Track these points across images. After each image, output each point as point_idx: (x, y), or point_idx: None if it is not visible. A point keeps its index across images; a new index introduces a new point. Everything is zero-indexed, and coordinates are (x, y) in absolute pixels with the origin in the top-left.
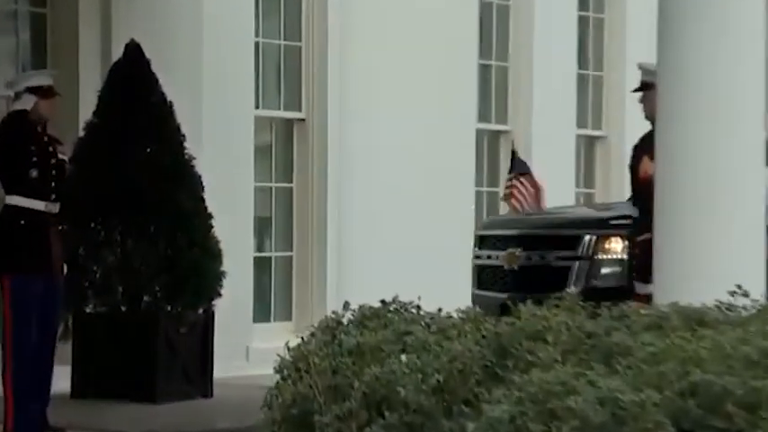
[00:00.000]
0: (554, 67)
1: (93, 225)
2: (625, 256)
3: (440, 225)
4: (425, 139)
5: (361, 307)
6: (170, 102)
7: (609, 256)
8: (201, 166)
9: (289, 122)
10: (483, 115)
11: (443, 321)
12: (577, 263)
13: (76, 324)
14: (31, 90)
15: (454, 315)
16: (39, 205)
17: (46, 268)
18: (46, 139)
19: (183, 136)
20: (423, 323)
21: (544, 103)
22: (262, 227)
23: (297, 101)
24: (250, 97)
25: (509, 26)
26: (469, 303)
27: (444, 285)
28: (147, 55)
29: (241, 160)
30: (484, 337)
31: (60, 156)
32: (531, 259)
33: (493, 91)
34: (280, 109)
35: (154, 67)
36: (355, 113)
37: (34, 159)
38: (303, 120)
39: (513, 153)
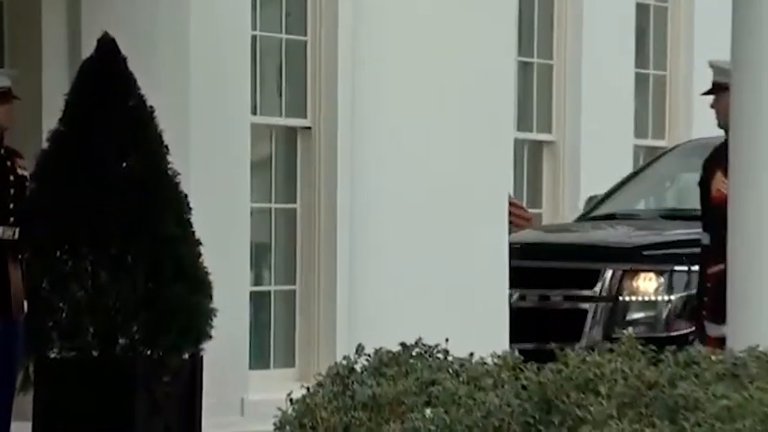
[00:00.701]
0: (607, 65)
1: (58, 254)
2: (660, 297)
3: (471, 253)
4: (453, 152)
5: (377, 351)
6: (151, 107)
7: (639, 298)
8: (188, 184)
9: (291, 131)
10: (522, 123)
11: (476, 368)
12: (595, 306)
13: (39, 372)
14: None
15: (489, 361)
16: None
17: (2, 305)
18: (2, 151)
19: (167, 147)
20: (451, 370)
21: (595, 108)
22: (259, 255)
23: (301, 106)
24: (246, 101)
25: (553, 16)
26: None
27: (477, 325)
28: (124, 51)
29: (235, 176)
30: (524, 387)
31: (20, 171)
32: (525, 299)
33: (534, 94)
34: (281, 115)
35: (131, 66)
36: (370, 121)
37: None
38: (309, 128)
39: None
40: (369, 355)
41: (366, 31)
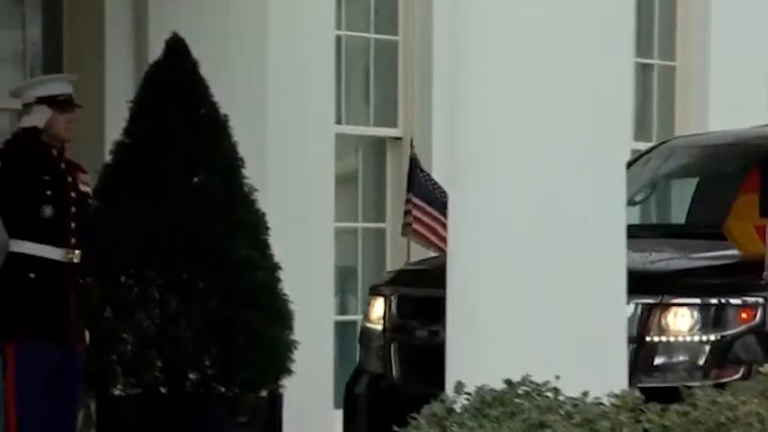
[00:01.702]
0: (736, 64)
1: (123, 279)
2: (698, 338)
3: (583, 278)
4: (563, 165)
5: (479, 389)
6: (224, 115)
7: (671, 338)
8: (265, 201)
9: (381, 142)
10: (641, 131)
11: (591, 409)
12: None
13: (101, 410)
14: (43, 101)
15: (605, 401)
16: (54, 253)
17: (62, 336)
18: (63, 165)
19: (242, 161)
20: (563, 411)
21: (724, 111)
22: (345, 281)
23: (392, 114)
24: (329, 109)
25: (675, 14)
26: (625, 384)
27: (591, 360)
28: (195, 54)
29: (318, 193)
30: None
31: (82, 187)
32: None
33: (655, 99)
34: (368, 125)
35: (203, 70)
36: (469, 131)
37: (48, 193)
38: (399, 139)
39: (412, 162)
40: (469, 394)
41: (465, 30)
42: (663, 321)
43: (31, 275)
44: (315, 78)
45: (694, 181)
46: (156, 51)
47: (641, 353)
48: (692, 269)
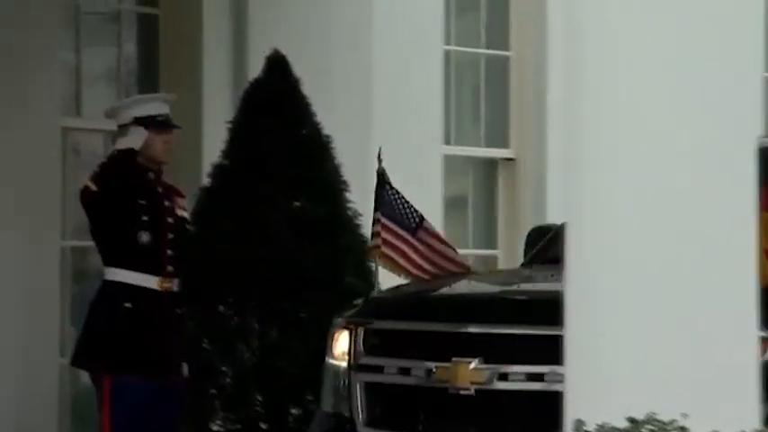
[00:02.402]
0: None
1: (222, 309)
2: None
3: (713, 306)
4: (692, 190)
5: (600, 427)
6: (327, 136)
7: None
8: (370, 226)
9: (492, 164)
10: None
11: None
12: None
13: None
14: (140, 121)
15: None
16: (150, 281)
17: (158, 368)
18: (160, 189)
19: (345, 183)
20: None
21: None
22: None
23: (503, 134)
24: (437, 129)
25: None
26: (758, 423)
27: (721, 396)
28: (297, 71)
29: (426, 217)
30: None
31: (179, 212)
32: (506, 378)
33: None
34: (479, 145)
35: (305, 88)
36: (588, 152)
37: (145, 218)
38: (512, 160)
39: (380, 177)
40: None
41: (583, 44)
42: None
43: (127, 305)
44: (422, 96)
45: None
46: (255, 68)
47: None
48: None
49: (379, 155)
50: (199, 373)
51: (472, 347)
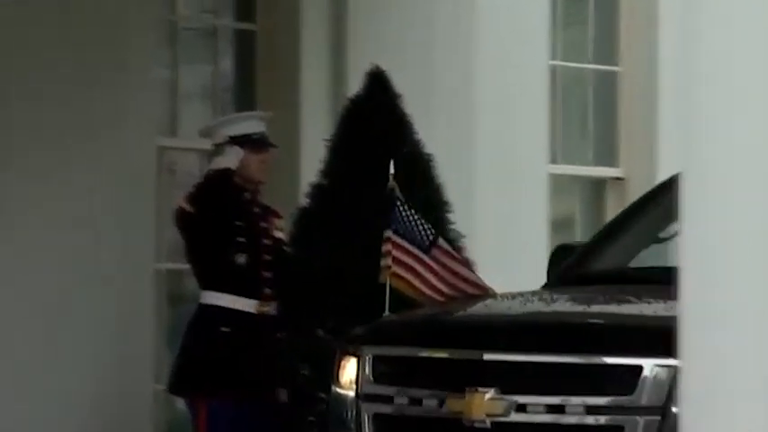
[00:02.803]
0: None
1: (321, 333)
2: None
3: None
4: None
5: None
6: (429, 154)
7: None
8: (474, 247)
9: (600, 183)
10: None
11: None
12: (635, 421)
13: None
14: (236, 141)
15: None
16: (247, 305)
17: (255, 393)
18: (257, 209)
19: (448, 204)
20: None
21: None
22: None
23: (612, 152)
24: (542, 147)
25: None
26: None
27: None
28: (398, 87)
29: (530, 238)
30: None
31: (277, 233)
32: (524, 410)
33: None
34: (586, 164)
35: (406, 105)
36: (703, 172)
37: (241, 240)
38: (621, 179)
39: (391, 193)
40: None
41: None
42: None
43: (224, 329)
44: (527, 113)
45: None
46: (354, 84)
47: (667, 427)
48: None
49: (389, 169)
50: (296, 398)
51: (488, 376)
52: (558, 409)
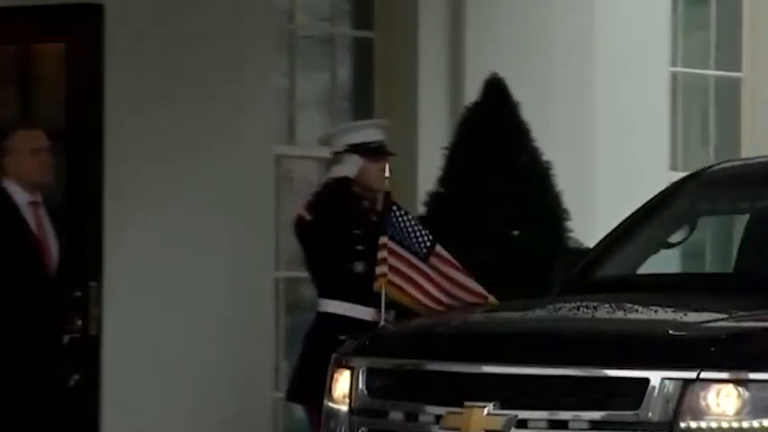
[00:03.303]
0: None
1: None
2: (746, 423)
3: None
4: None
5: None
6: (547, 162)
7: (711, 424)
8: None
9: None
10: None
11: None
12: None
13: None
14: (354, 149)
15: None
16: (365, 313)
17: None
18: (375, 218)
19: (566, 212)
20: None
21: None
22: None
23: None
24: (664, 155)
25: None
26: None
27: None
28: (516, 95)
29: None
30: None
31: None
32: (525, 426)
33: None
34: None
35: (525, 113)
36: None
37: (360, 248)
38: None
39: (386, 197)
40: None
41: None
42: (702, 403)
43: (341, 337)
44: (646, 119)
45: (744, 219)
46: (472, 93)
47: None
48: (741, 335)
49: (385, 170)
50: None
51: (487, 390)
52: (561, 425)
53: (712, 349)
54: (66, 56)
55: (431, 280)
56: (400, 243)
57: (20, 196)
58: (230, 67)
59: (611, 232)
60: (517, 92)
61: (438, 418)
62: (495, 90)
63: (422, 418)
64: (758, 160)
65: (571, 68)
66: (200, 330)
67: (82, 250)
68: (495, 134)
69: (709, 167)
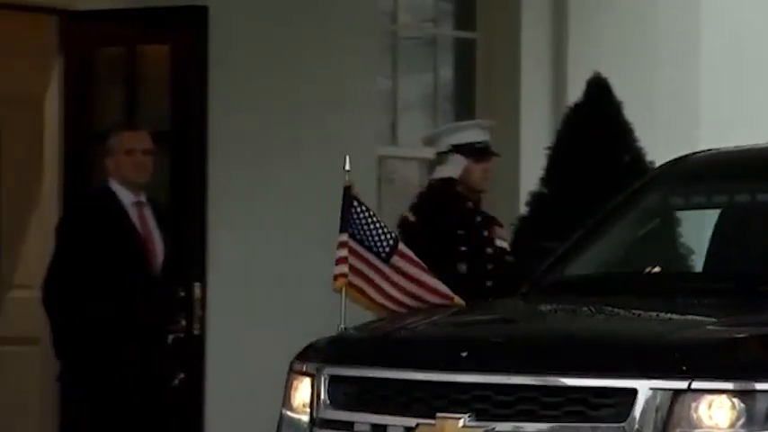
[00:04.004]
0: None
1: None
2: None
3: None
4: None
5: None
6: (651, 162)
7: None
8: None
9: None
10: None
11: None
12: None
13: None
14: (458, 149)
15: None
16: None
17: None
18: (479, 218)
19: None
20: None
21: None
22: None
23: None
24: None
25: None
26: None
27: None
28: (619, 95)
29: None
30: None
31: (499, 242)
32: None
33: None
34: None
35: (628, 113)
36: None
37: (463, 248)
38: None
39: (346, 192)
40: None
41: None
42: (694, 414)
43: None
44: (757, 117)
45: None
46: (575, 92)
47: None
48: (734, 342)
49: (344, 164)
50: None
51: (462, 400)
52: None
53: (704, 357)
54: (171, 58)
55: (392, 282)
56: (361, 242)
57: (125, 196)
58: (333, 69)
59: (583, 227)
60: (620, 91)
61: (408, 430)
62: (598, 89)
63: (390, 430)
64: (733, 151)
65: (676, 67)
66: (301, 329)
67: (186, 250)
68: (597, 134)
69: (679, 159)
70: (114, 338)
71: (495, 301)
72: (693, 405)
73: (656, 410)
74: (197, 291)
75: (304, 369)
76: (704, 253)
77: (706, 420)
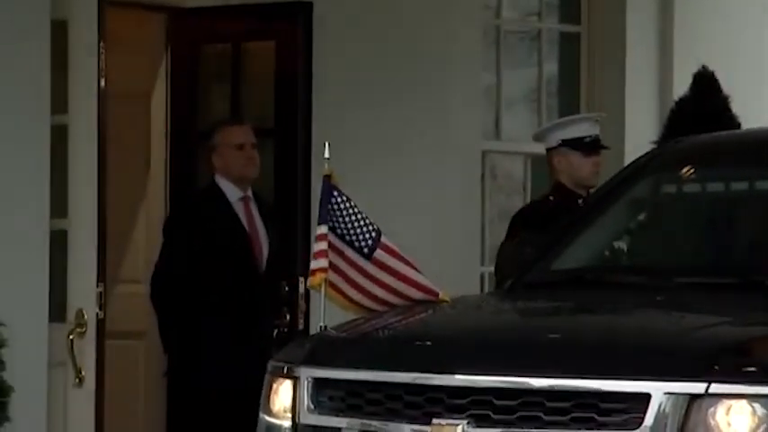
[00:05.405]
0: None
1: None
2: None
3: None
4: None
5: None
6: None
7: None
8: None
9: None
10: None
11: None
12: None
13: None
14: (568, 144)
15: None
16: None
17: None
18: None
19: None
20: None
21: None
22: None
23: None
24: None
25: None
26: None
27: None
28: (726, 89)
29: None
30: None
31: None
32: None
33: None
34: None
35: (735, 107)
36: None
37: None
38: None
39: (326, 180)
40: None
41: None
42: (711, 421)
43: None
44: None
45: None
46: (681, 86)
47: None
48: (754, 342)
49: (324, 152)
50: None
51: (460, 405)
52: None
53: (723, 358)
54: (276, 54)
55: (375, 280)
56: (342, 237)
57: (231, 192)
58: (437, 64)
59: (570, 218)
60: (727, 85)
61: None
62: (705, 83)
63: None
64: (727, 135)
65: None
66: None
67: (290, 246)
68: (704, 128)
69: (667, 146)
70: (221, 334)
71: (484, 295)
72: (711, 410)
73: (671, 416)
74: (301, 286)
75: (285, 371)
76: (702, 244)
77: (724, 427)
